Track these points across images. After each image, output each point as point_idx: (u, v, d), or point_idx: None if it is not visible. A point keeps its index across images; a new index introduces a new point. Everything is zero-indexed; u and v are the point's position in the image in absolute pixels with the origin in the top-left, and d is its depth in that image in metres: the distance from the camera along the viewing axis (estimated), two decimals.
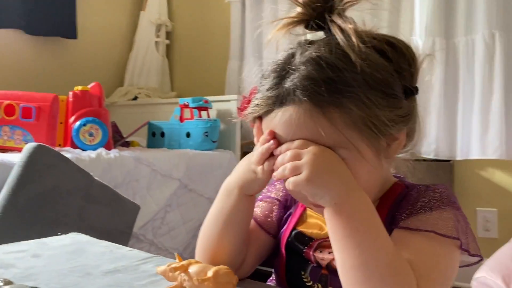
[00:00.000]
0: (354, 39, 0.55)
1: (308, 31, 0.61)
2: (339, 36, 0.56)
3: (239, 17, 2.76)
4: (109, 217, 1.30)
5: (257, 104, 0.59)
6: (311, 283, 0.66)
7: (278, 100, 0.56)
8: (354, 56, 0.54)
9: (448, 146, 2.06)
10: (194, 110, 2.29)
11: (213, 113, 2.42)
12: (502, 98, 1.93)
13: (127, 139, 2.44)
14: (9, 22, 2.51)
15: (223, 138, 2.39)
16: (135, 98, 2.93)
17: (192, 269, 0.60)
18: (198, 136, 2.23)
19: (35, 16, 2.58)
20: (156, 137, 2.41)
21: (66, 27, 2.70)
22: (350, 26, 0.57)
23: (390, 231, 0.58)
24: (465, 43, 2.03)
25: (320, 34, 0.62)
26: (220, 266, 0.59)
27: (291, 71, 0.56)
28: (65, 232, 0.94)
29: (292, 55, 0.58)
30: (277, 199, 0.73)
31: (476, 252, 0.58)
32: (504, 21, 1.95)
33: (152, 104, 2.82)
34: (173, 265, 0.61)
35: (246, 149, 2.66)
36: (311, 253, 0.66)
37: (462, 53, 2.04)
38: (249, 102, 0.62)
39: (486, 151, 1.95)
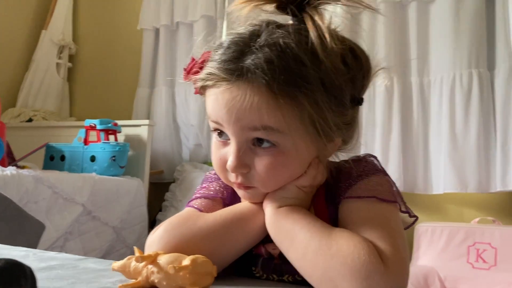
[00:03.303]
0: (327, 38, 0.55)
1: (277, 11, 0.60)
2: (312, 31, 0.56)
3: (152, 45, 2.71)
4: (11, 234, 1.13)
5: (211, 73, 0.56)
6: (264, 276, 0.64)
7: (235, 74, 0.54)
8: (322, 56, 0.55)
9: None
10: (101, 132, 2.15)
11: (120, 138, 2.29)
12: (400, 136, 2.13)
13: (19, 163, 2.19)
14: None
15: (131, 164, 2.26)
16: (30, 120, 2.68)
17: (162, 259, 0.51)
18: (105, 160, 2.09)
19: None
20: (54, 161, 2.21)
21: None
22: (325, 24, 0.56)
23: (333, 207, 0.60)
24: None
25: (287, 18, 0.60)
26: (197, 255, 0.52)
27: (255, 49, 0.54)
28: None
29: (257, 34, 0.56)
30: (219, 197, 0.70)
31: (413, 213, 0.62)
32: (401, 67, 2.18)
33: (50, 127, 2.59)
34: (137, 257, 0.52)
35: (153, 179, 2.54)
36: (261, 246, 0.63)
37: (365, 94, 2.22)
38: (200, 66, 0.59)
39: None
